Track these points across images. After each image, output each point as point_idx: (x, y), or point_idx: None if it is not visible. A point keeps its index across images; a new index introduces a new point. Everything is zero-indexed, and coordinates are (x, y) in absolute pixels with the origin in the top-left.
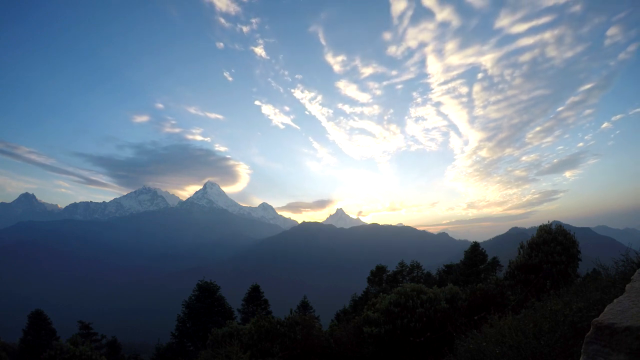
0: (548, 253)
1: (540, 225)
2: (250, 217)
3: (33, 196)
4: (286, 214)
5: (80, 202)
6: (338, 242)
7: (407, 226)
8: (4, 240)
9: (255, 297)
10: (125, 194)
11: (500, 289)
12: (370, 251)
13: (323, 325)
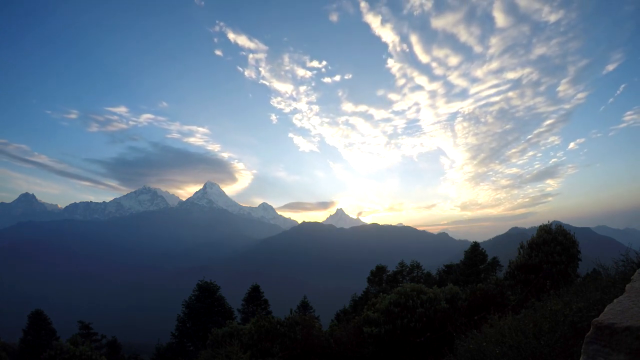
0: (548, 253)
1: (540, 226)
2: (250, 217)
3: (33, 196)
4: (286, 214)
5: (80, 202)
6: (338, 242)
7: (407, 226)
8: (4, 240)
9: (255, 297)
10: (125, 194)
11: (500, 289)
12: (370, 251)
13: (323, 325)
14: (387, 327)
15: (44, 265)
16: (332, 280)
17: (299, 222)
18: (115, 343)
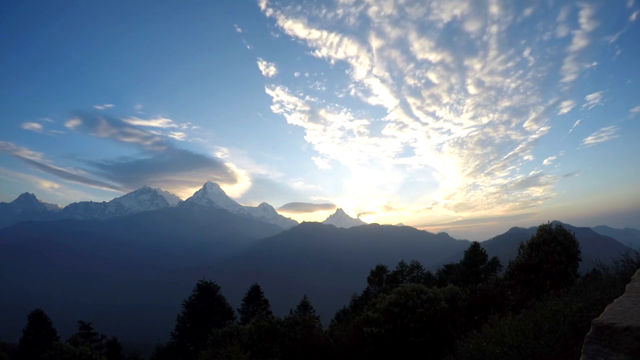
0: (548, 253)
1: (540, 225)
2: (250, 217)
3: (33, 196)
4: (286, 214)
5: (80, 202)
6: (338, 242)
7: (407, 226)
8: (4, 240)
9: (255, 297)
10: (125, 193)
11: (500, 289)
12: (370, 251)
13: (323, 325)
14: (387, 327)
15: (44, 265)
16: (332, 280)
17: (299, 222)
18: (115, 343)
